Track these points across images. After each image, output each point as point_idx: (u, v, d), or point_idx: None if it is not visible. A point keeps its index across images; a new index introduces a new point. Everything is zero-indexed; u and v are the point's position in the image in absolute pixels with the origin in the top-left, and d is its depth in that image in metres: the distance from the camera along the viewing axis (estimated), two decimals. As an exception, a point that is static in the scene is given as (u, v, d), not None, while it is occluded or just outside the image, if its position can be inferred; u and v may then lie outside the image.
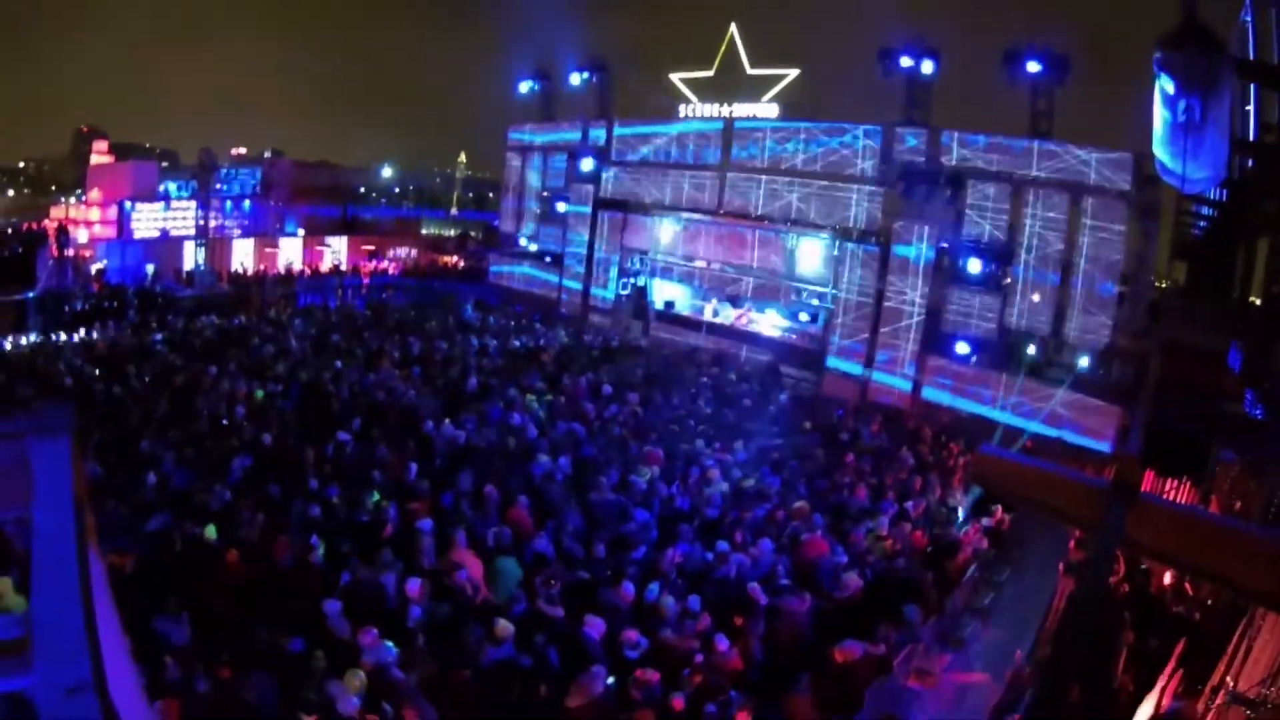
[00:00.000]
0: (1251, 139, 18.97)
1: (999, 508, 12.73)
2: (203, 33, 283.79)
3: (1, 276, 31.44)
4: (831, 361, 24.17)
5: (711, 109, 28.75)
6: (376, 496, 11.84)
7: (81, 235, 49.10)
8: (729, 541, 10.91)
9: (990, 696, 7.27)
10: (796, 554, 10.99)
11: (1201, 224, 24.64)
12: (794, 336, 26.35)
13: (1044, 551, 9.65)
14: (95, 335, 26.82)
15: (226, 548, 9.96)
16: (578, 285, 32.23)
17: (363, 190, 68.16)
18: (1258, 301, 20.81)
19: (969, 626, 8.25)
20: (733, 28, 28.65)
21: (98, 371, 20.41)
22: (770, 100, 27.61)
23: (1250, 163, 19.66)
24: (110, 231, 47.45)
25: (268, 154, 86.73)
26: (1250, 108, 18.90)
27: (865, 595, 9.91)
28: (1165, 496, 14.25)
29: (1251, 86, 18.55)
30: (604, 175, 31.66)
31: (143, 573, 9.50)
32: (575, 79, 34.24)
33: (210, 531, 10.34)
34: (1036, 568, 9.31)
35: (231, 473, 12.82)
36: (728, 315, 28.23)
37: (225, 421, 16.17)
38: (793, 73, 27.53)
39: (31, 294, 30.94)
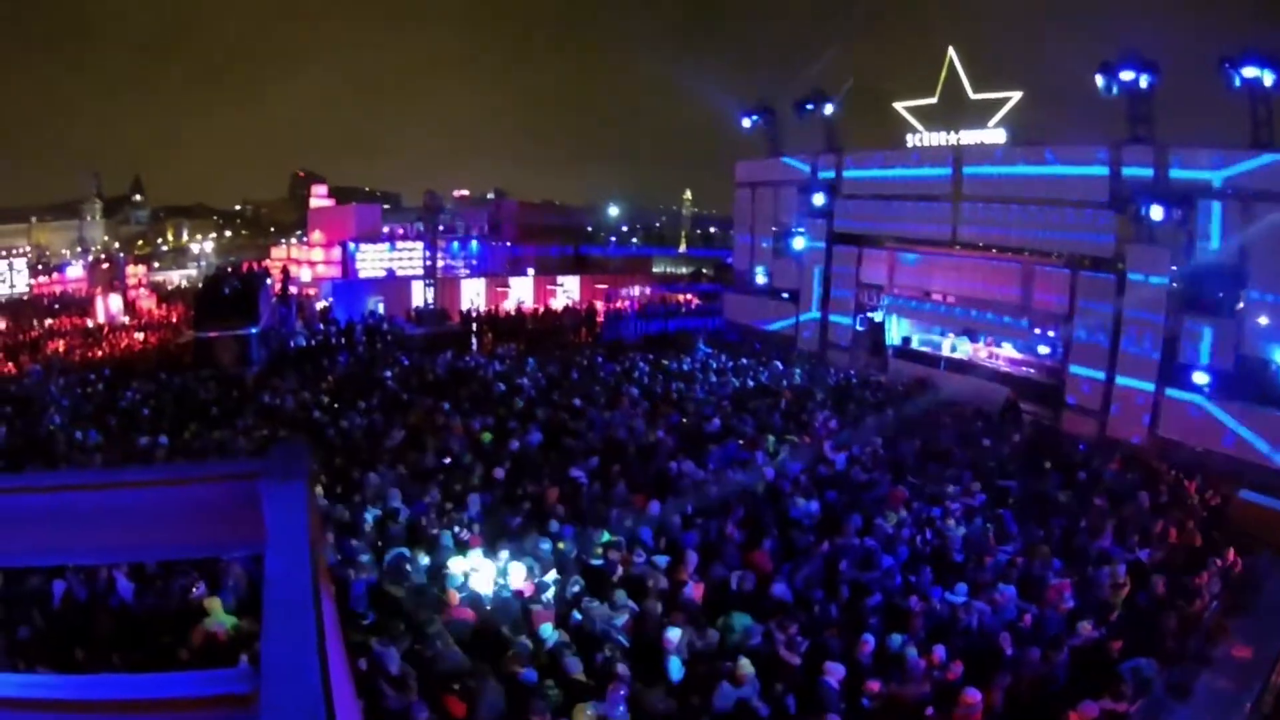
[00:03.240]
0: None
1: (1231, 549, 12.38)
2: (419, 77, 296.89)
3: (225, 312, 32.29)
4: (1068, 397, 23.27)
5: (939, 137, 28.29)
6: (607, 536, 11.80)
7: (304, 274, 52.04)
8: (972, 587, 10.86)
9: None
10: (1037, 600, 10.88)
11: None
12: (1032, 370, 25.40)
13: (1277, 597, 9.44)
14: (321, 370, 27.72)
15: (457, 585, 10.02)
16: (814, 321, 32.11)
17: (590, 229, 69.38)
18: None
19: (1199, 676, 8.19)
20: (951, 52, 28.11)
21: (325, 406, 21.29)
22: (997, 125, 26.88)
23: None
24: (334, 271, 50.29)
25: (491, 195, 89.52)
26: None
27: (1104, 644, 9.79)
28: None
29: None
30: (836, 208, 31.49)
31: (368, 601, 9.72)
32: (801, 112, 34.01)
33: (452, 568, 10.43)
34: (1268, 614, 9.12)
35: (467, 508, 12.97)
36: (965, 349, 27.45)
37: (448, 460, 16.29)
38: (1016, 95, 26.77)
39: (254, 330, 31.96)
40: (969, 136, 27.36)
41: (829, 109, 33.08)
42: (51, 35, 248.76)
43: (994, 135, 26.82)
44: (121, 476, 2.35)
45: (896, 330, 29.76)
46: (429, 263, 41.47)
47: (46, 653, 8.68)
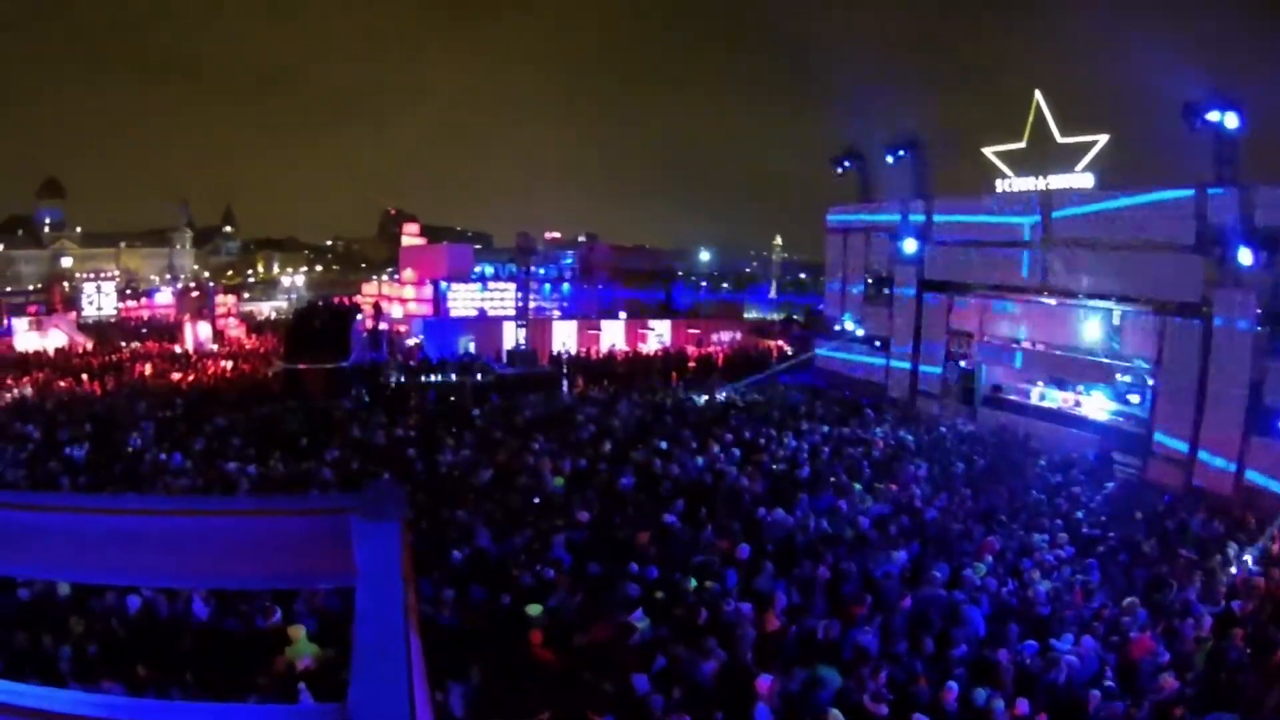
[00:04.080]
0: None
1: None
2: (512, 120, 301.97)
3: (316, 345, 32.83)
4: (1156, 445, 22.68)
5: (1027, 182, 28.06)
6: (694, 582, 11.90)
7: (395, 311, 52.81)
8: (1057, 639, 10.82)
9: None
10: (1122, 652, 10.87)
11: None
12: (1121, 419, 24.87)
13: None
14: (410, 406, 28.25)
15: (541, 625, 10.21)
16: (905, 369, 32.01)
17: (680, 273, 69.65)
18: None
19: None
20: (1038, 95, 27.96)
21: (414, 441, 21.68)
22: (1084, 169, 26.62)
23: None
24: (425, 309, 50.88)
25: (582, 238, 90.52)
26: None
27: (1186, 697, 9.77)
28: None
29: None
30: (926, 255, 31.47)
31: (448, 638, 9.79)
32: (889, 158, 34.18)
33: (534, 609, 10.63)
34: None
35: (552, 549, 13.24)
36: (1055, 398, 27.11)
37: (537, 500, 16.61)
38: (1103, 138, 26.48)
39: (345, 364, 32.51)
40: (1057, 181, 27.11)
41: (915, 155, 33.25)
42: (150, 69, 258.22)
43: (1082, 179, 26.58)
44: (218, 505, 2.64)
45: (986, 378, 29.57)
46: (521, 304, 41.76)
47: (116, 669, 8.92)
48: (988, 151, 29.42)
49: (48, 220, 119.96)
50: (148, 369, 41.72)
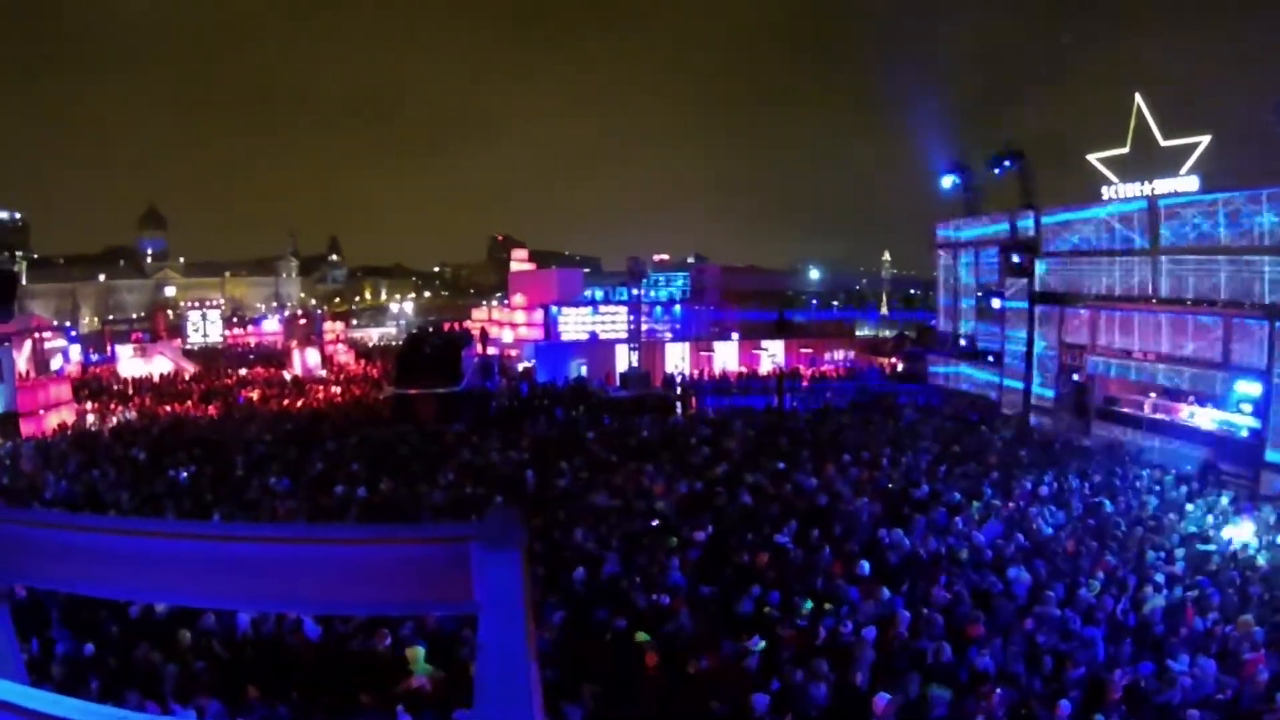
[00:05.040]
0: None
1: None
2: (616, 143, 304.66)
3: (426, 371, 33.53)
4: (1270, 456, 21.83)
5: (1133, 188, 27.55)
6: (810, 604, 11.87)
7: (506, 336, 54.16)
8: (1172, 659, 10.64)
9: None
10: (1237, 673, 10.66)
11: None
12: (1233, 430, 23.99)
13: None
14: (523, 430, 28.45)
15: (654, 648, 10.13)
16: (1018, 384, 31.70)
17: (790, 292, 69.64)
18: None
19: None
20: (1138, 98, 27.41)
21: (527, 465, 21.85)
22: (1188, 172, 25.94)
23: None
24: (536, 333, 52.18)
25: (690, 259, 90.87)
26: None
27: None
28: None
29: None
30: (1035, 266, 31.10)
31: (563, 660, 9.85)
32: (994, 170, 34.22)
33: (642, 637, 10.53)
34: None
35: (668, 571, 13.28)
36: (1167, 409, 26.49)
37: (656, 521, 16.62)
38: (1205, 139, 25.83)
39: (456, 388, 33.18)
40: (1162, 185, 26.56)
41: (1021, 165, 33.15)
42: (251, 101, 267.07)
43: (1186, 183, 25.92)
44: (340, 534, 2.69)
45: (1099, 391, 29.01)
46: (633, 326, 42.19)
47: (221, 687, 9.12)
48: (1092, 158, 29.09)
49: (150, 250, 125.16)
50: (255, 394, 43.18)
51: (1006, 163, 33.75)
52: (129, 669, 9.65)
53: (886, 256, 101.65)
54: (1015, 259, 31.76)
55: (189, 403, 41.04)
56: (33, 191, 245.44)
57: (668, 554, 14.18)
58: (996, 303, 33.25)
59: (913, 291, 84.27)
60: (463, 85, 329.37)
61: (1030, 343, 31.20)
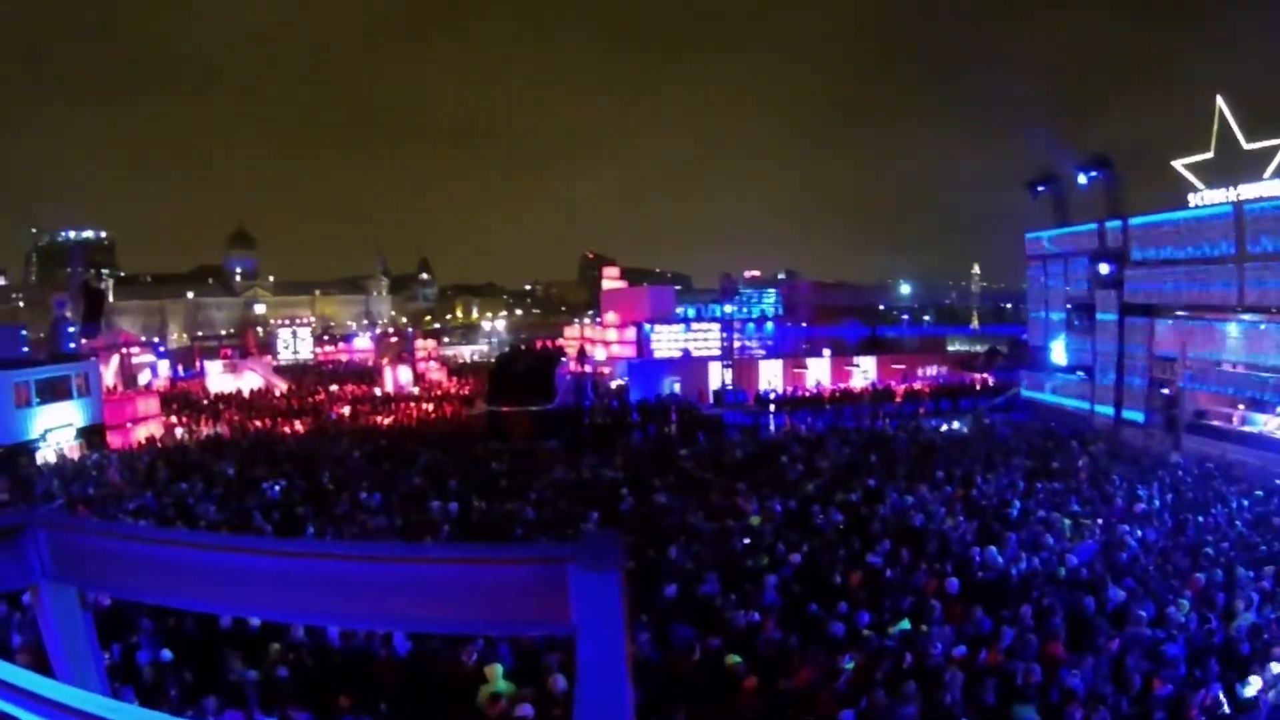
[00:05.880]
0: None
1: None
2: (705, 160, 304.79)
3: (519, 388, 34.01)
4: None
5: (1219, 194, 27.28)
6: (906, 624, 11.83)
7: (598, 353, 54.61)
8: (1260, 680, 10.51)
9: None
10: None
11: None
12: None
13: None
14: (616, 447, 28.79)
15: (748, 671, 10.09)
16: (1108, 398, 31.34)
17: (881, 307, 69.31)
18: None
19: None
20: (1219, 101, 27.21)
21: (620, 482, 22.02)
22: (1272, 175, 25.67)
23: None
24: (628, 351, 52.75)
25: (781, 275, 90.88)
26: None
27: None
28: None
29: None
30: (1126, 277, 30.84)
31: (654, 679, 9.79)
32: (1081, 179, 33.93)
33: (732, 659, 10.44)
34: None
35: (764, 590, 13.25)
36: (1257, 421, 26.00)
37: (747, 540, 16.64)
38: None
39: (549, 406, 33.58)
40: (1248, 190, 26.25)
41: (1108, 174, 32.91)
42: (341, 122, 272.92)
43: (1272, 186, 25.59)
44: (435, 553, 2.64)
45: (1190, 404, 28.48)
46: (726, 343, 42.50)
47: (308, 697, 9.20)
48: (1178, 164, 28.90)
49: (239, 269, 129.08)
50: (346, 411, 44.32)
51: (1094, 172, 33.46)
52: (210, 677, 9.69)
53: (976, 269, 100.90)
54: (1104, 269, 31.49)
55: (279, 418, 42.07)
56: (121, 211, 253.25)
57: (761, 572, 14.19)
58: (1091, 315, 32.79)
59: (1006, 305, 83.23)
60: (554, 104, 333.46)
61: (1120, 356, 30.88)
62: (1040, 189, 36.95)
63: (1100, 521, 18.13)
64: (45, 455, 30.11)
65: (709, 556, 15.54)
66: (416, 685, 9.66)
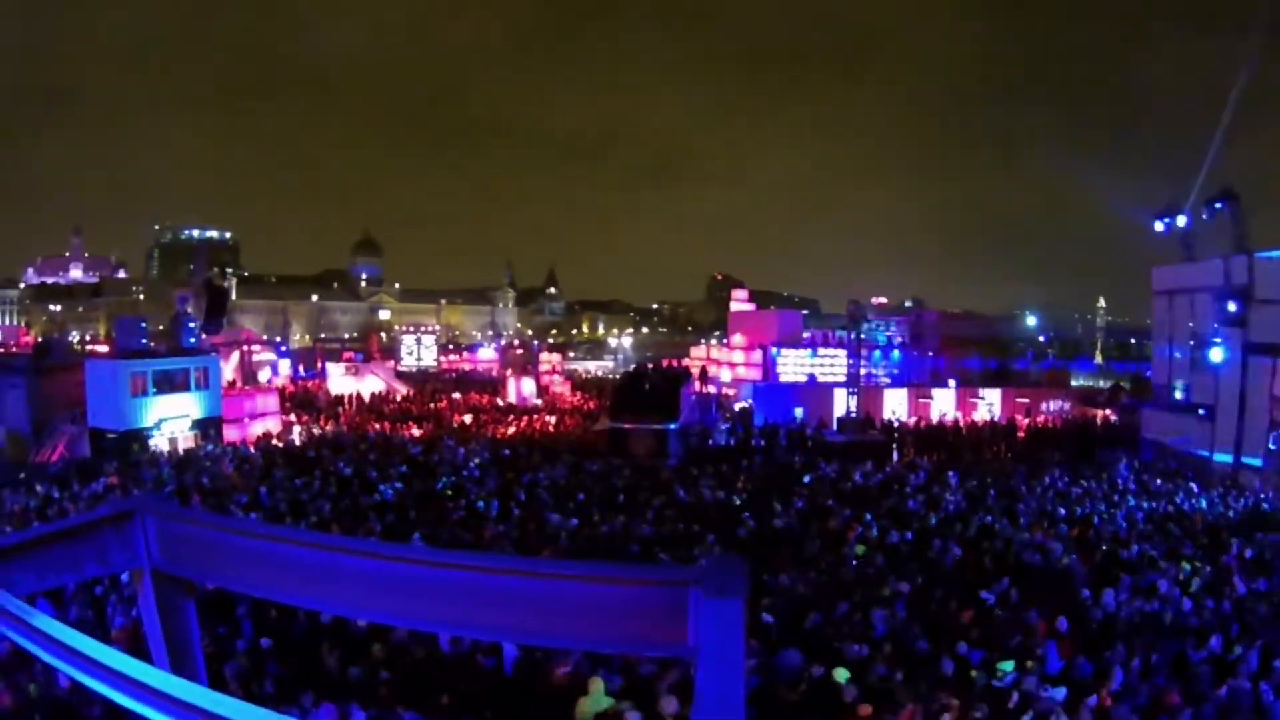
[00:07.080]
0: None
1: None
2: (835, 185, 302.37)
3: (644, 406, 34.11)
4: None
5: None
6: (1010, 665, 11.60)
7: (724, 375, 55.41)
8: None
9: None
10: None
11: None
12: None
13: None
14: (738, 470, 28.43)
15: (854, 692, 10.02)
16: (1229, 440, 30.53)
17: (1006, 339, 68.69)
18: None
19: None
20: None
21: (741, 506, 22.04)
22: None
23: None
24: (754, 374, 52.96)
25: (909, 303, 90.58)
26: None
27: None
28: None
29: None
30: (1251, 315, 30.16)
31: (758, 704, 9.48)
32: (1204, 214, 33.58)
33: (840, 675, 10.36)
34: None
35: (873, 625, 13.15)
36: None
37: (865, 569, 16.61)
38: None
39: (674, 426, 33.56)
40: None
41: (1233, 207, 32.27)
42: (471, 134, 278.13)
43: None
44: (559, 569, 2.69)
45: None
46: (852, 370, 42.63)
47: (411, 697, 9.21)
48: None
49: (364, 275, 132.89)
50: (467, 419, 45.18)
51: (1218, 205, 32.92)
52: (309, 671, 9.88)
53: (1101, 303, 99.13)
54: (1230, 307, 30.83)
55: (399, 422, 43.03)
56: (248, 214, 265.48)
57: (873, 604, 14.15)
58: (1216, 353, 32.18)
59: (1133, 341, 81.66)
60: (688, 123, 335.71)
61: (1241, 396, 30.22)
62: (1167, 221, 36.26)
63: (1213, 568, 17.91)
64: (159, 443, 31.69)
65: (823, 584, 15.58)
66: (519, 693, 9.73)
